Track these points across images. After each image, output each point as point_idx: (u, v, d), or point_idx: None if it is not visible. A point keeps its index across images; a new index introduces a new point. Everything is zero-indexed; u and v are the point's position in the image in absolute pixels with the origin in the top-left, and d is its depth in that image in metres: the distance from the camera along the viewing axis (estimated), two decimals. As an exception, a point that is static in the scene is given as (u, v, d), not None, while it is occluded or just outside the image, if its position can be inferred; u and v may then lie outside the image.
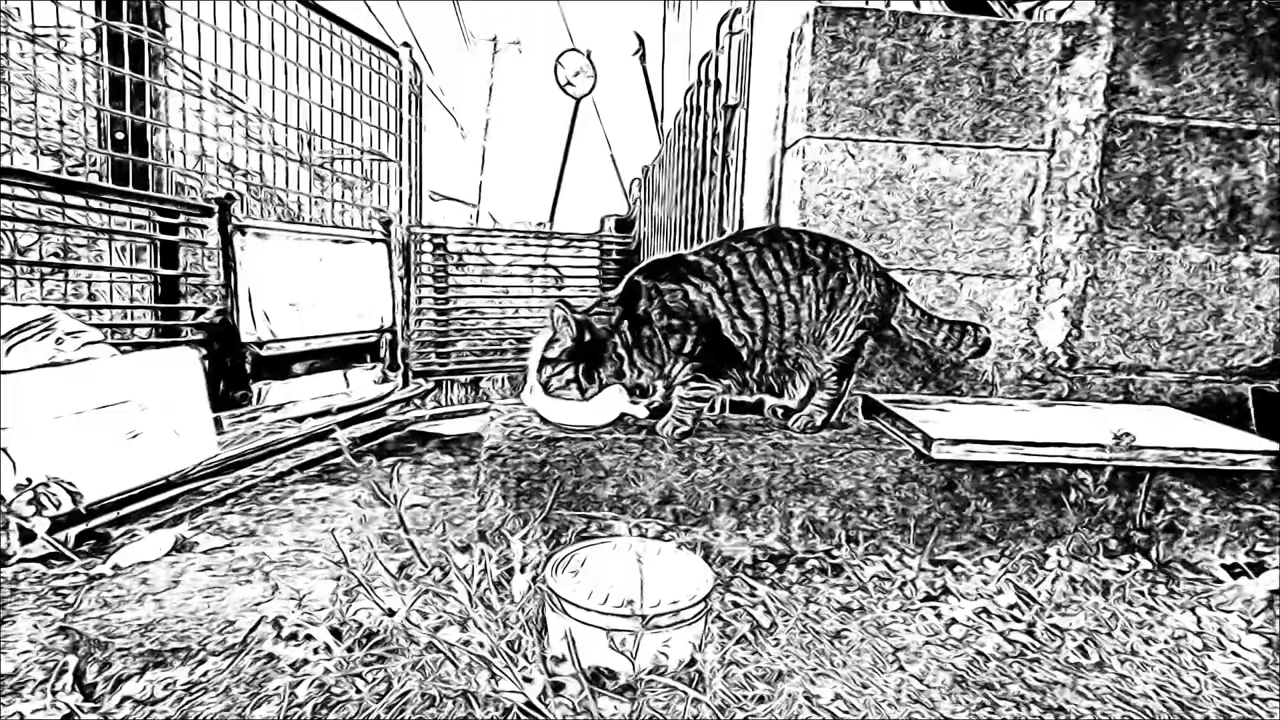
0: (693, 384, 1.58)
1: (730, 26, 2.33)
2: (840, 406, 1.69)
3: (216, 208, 2.56)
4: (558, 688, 1.04)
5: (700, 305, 1.56)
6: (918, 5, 2.48)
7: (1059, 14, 1.99)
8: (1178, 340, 1.97)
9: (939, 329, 1.73)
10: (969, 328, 1.75)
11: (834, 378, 1.64)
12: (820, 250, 1.61)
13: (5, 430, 1.48)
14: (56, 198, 2.18)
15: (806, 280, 1.59)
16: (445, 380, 3.88)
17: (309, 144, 3.25)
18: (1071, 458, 1.53)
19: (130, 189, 2.51)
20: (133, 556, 1.50)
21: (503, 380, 4.05)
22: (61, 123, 2.58)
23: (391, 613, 1.21)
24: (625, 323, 1.55)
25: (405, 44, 3.70)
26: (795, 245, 1.60)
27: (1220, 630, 1.31)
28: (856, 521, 1.58)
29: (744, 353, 1.59)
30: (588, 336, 1.54)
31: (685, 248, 2.07)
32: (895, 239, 1.92)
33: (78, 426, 1.63)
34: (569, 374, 1.55)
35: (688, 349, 1.56)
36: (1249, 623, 1.34)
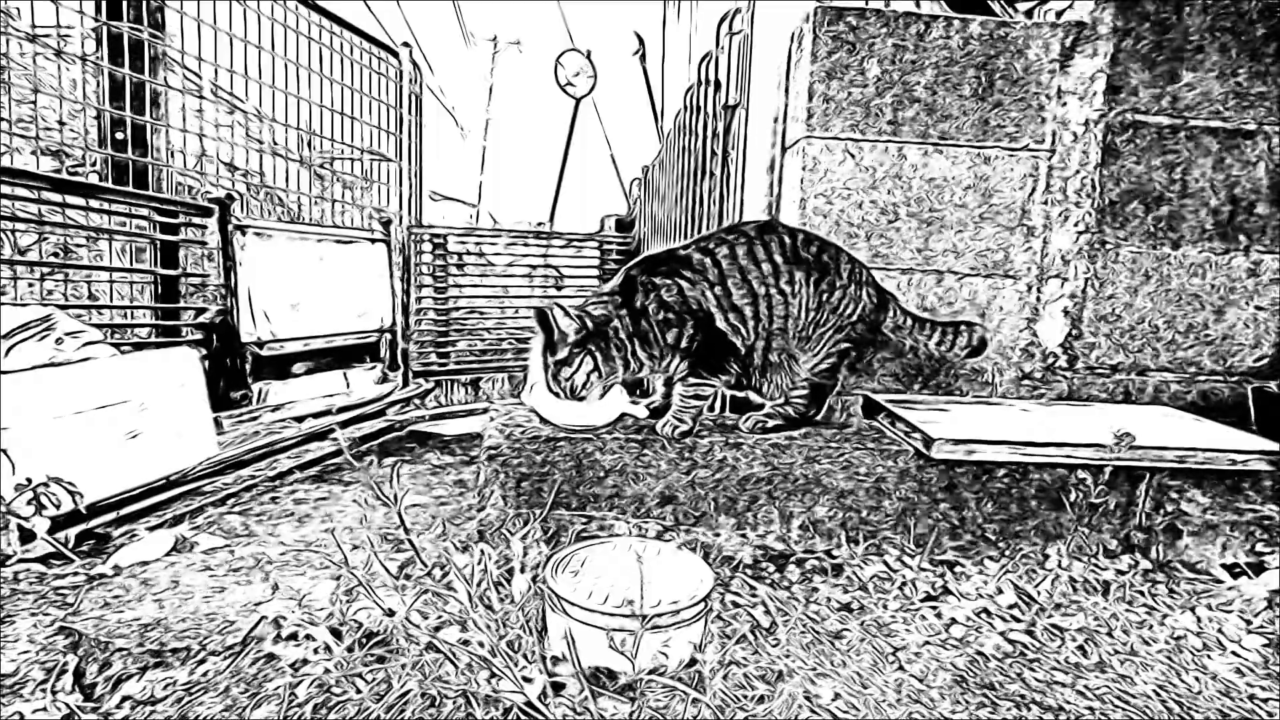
0: (692, 380, 1.58)
1: (730, 26, 2.33)
2: (808, 417, 1.68)
3: (216, 208, 2.56)
4: (558, 688, 1.04)
5: (694, 300, 1.55)
6: (918, 5, 2.47)
7: (1059, 14, 1.99)
8: (1178, 340, 1.97)
9: (931, 332, 1.73)
10: (962, 328, 1.73)
11: (823, 374, 1.64)
12: (813, 250, 1.60)
13: (5, 430, 1.48)
14: (56, 198, 2.18)
15: (798, 275, 1.58)
16: (445, 380, 3.88)
17: (309, 144, 3.25)
18: (1071, 458, 1.53)
19: (130, 189, 2.51)
20: (133, 556, 1.50)
21: (503, 380, 4.05)
22: (61, 123, 2.58)
23: (391, 613, 1.20)
24: (624, 313, 1.54)
25: (405, 44, 3.70)
26: (788, 240, 1.60)
27: (1220, 630, 1.31)
28: (856, 521, 1.58)
29: (739, 344, 1.59)
30: (590, 325, 1.51)
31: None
32: (895, 239, 1.92)
33: (78, 426, 1.63)
34: (588, 365, 1.51)
35: (684, 344, 1.56)
36: (1249, 623, 1.34)
